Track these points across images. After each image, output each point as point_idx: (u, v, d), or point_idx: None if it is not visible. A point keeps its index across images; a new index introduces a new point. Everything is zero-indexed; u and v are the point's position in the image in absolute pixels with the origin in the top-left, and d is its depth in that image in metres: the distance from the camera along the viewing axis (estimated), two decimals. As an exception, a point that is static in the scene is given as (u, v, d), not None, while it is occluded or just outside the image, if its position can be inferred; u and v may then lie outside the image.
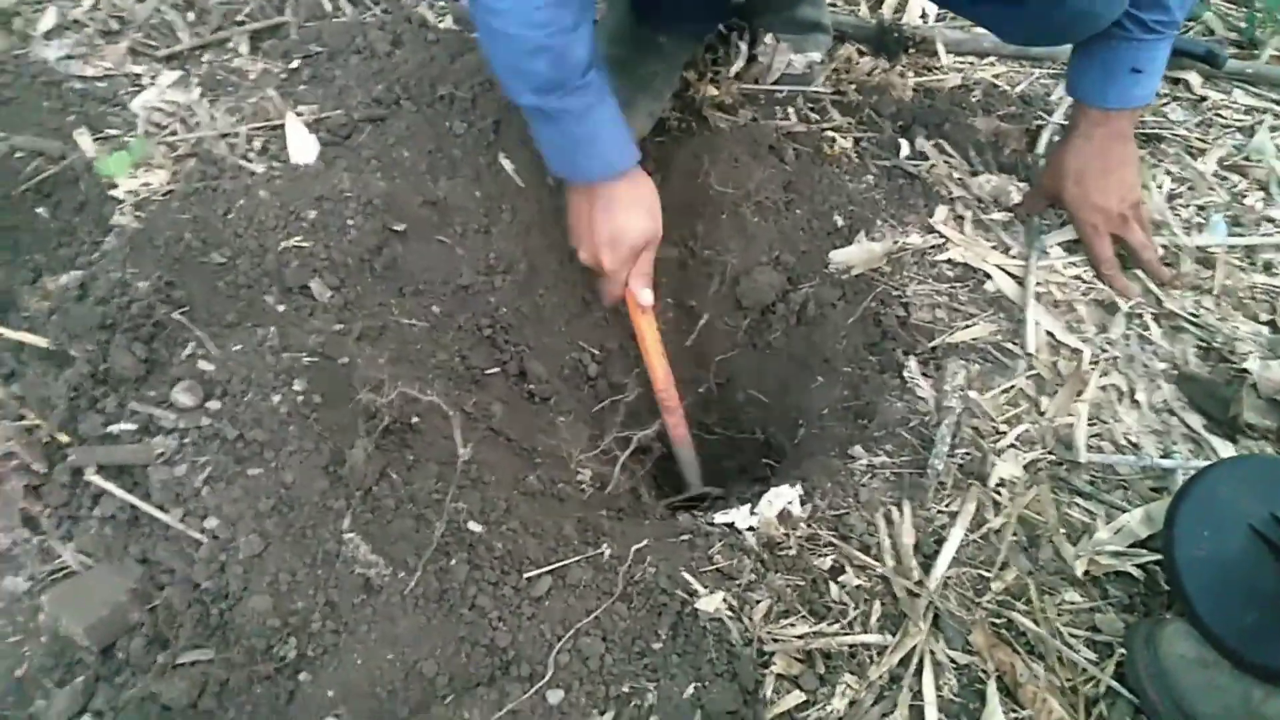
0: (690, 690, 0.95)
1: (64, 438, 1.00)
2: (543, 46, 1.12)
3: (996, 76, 1.80)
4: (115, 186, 1.27)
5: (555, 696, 0.93)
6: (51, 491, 0.98)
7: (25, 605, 0.94)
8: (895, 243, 1.45)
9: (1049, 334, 1.34)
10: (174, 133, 1.37)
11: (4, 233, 1.23)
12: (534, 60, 1.14)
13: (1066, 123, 1.60)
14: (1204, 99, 1.81)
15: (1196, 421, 1.27)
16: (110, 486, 0.98)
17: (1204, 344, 1.36)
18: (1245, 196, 1.61)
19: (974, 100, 1.71)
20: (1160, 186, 1.59)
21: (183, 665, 0.89)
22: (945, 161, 1.56)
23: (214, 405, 1.04)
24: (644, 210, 1.33)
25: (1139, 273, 1.43)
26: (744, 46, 1.68)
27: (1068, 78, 1.44)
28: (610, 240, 1.31)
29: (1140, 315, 1.38)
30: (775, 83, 1.66)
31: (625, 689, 0.94)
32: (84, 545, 0.96)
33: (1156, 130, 1.70)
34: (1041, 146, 1.62)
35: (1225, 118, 1.78)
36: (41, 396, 1.02)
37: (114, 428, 1.02)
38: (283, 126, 1.35)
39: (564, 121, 1.21)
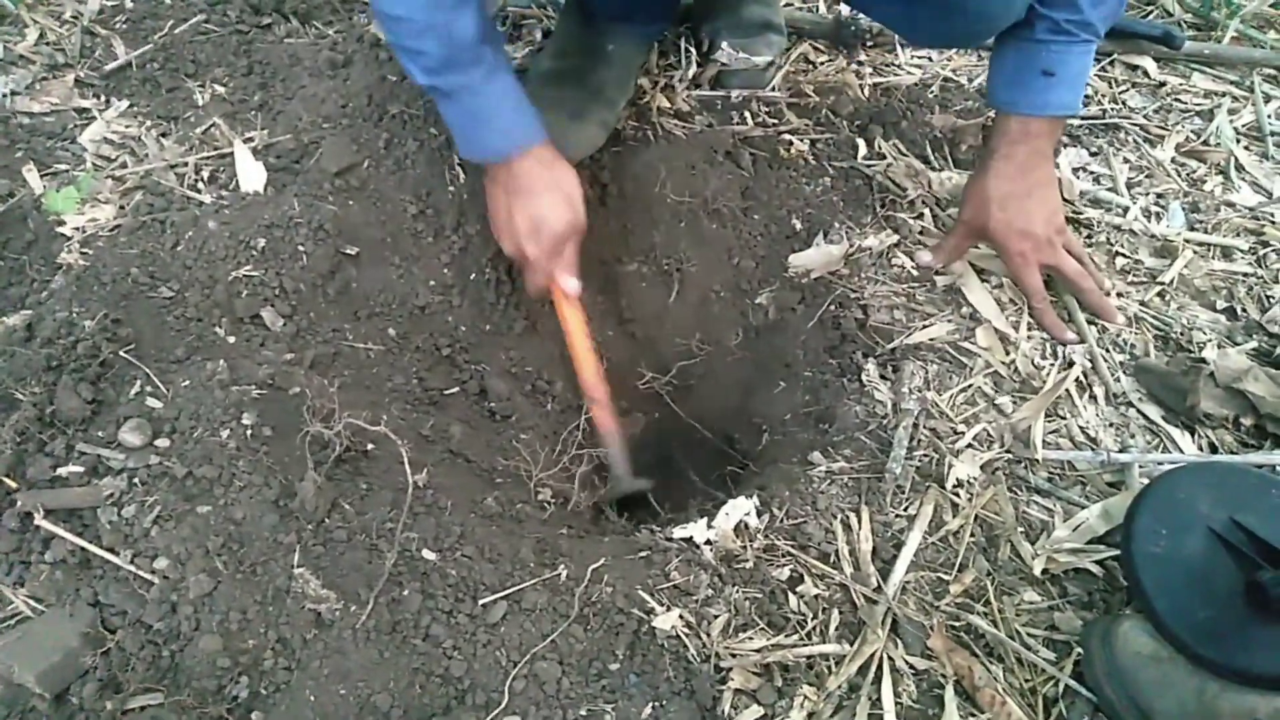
0: (648, 710, 0.95)
1: (12, 483, 1.00)
2: (429, 25, 1.14)
3: (955, 71, 1.79)
4: (63, 223, 1.26)
5: (512, 723, 0.93)
6: (0, 537, 0.98)
7: (-23, 654, 0.93)
8: (853, 245, 1.45)
9: (998, 331, 1.34)
10: (123, 165, 1.36)
11: (-46, 274, 1.23)
12: (423, 40, 1.16)
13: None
14: (1162, 84, 1.80)
15: (1155, 412, 1.27)
16: (60, 530, 0.97)
17: (1162, 334, 1.36)
18: (1204, 182, 1.61)
19: (931, 97, 1.71)
20: (1118, 175, 1.59)
21: (133, 710, 0.89)
22: (902, 161, 1.55)
23: (162, 443, 1.04)
24: (563, 198, 1.30)
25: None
26: (695, 53, 1.67)
27: (986, 85, 1.37)
28: (531, 230, 1.29)
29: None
30: (729, 87, 1.66)
31: (583, 712, 0.94)
32: (35, 590, 0.96)
33: (1115, 120, 1.70)
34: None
35: (1184, 102, 1.77)
36: (-12, 442, 1.01)
37: (62, 470, 1.01)
38: (231, 155, 1.35)
39: (462, 98, 1.22)
